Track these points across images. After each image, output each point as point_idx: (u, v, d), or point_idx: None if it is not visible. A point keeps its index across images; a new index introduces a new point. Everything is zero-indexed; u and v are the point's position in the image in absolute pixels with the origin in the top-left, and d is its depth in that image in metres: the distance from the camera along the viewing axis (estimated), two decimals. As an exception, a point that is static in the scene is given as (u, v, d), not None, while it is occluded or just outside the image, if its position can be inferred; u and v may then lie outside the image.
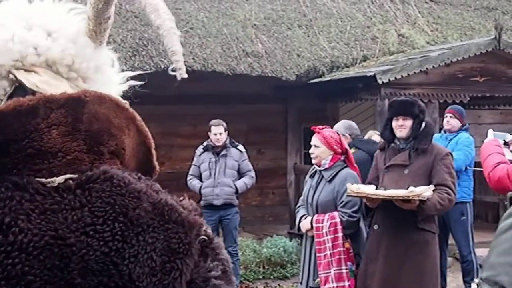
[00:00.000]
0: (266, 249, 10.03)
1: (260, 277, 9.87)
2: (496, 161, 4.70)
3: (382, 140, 6.24)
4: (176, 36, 1.33)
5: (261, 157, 12.64)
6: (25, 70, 1.37)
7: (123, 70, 1.54)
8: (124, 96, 1.49)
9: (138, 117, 1.41)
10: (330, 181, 5.82)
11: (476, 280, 2.23)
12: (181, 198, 1.39)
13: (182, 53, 1.36)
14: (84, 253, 1.22)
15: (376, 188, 5.68)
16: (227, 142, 8.92)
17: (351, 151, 7.54)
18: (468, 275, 8.27)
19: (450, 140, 8.30)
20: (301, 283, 6.10)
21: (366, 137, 9.42)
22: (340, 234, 5.64)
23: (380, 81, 10.10)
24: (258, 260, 9.99)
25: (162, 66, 10.59)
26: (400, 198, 5.40)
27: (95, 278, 1.22)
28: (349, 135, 7.86)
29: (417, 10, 14.00)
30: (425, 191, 5.36)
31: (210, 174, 8.78)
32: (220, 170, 8.78)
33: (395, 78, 10.21)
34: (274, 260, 9.93)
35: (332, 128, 6.47)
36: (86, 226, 1.23)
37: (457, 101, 10.33)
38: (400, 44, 13.03)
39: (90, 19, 1.39)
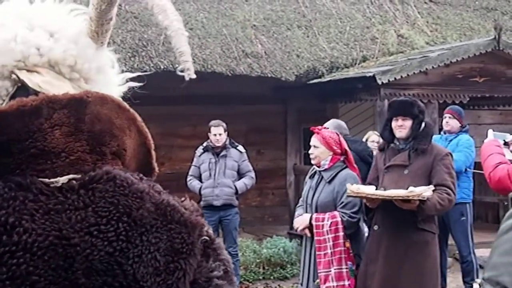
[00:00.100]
0: (266, 250, 10.03)
1: (260, 277, 9.87)
2: (497, 161, 4.69)
3: (382, 140, 6.23)
4: (184, 37, 1.33)
5: (260, 158, 12.64)
6: (28, 71, 1.37)
7: (122, 71, 1.54)
8: (124, 97, 1.49)
9: (139, 118, 1.42)
10: (329, 182, 5.81)
11: (478, 280, 2.23)
12: (183, 199, 1.39)
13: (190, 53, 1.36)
14: (88, 253, 1.22)
15: (376, 189, 5.68)
16: (227, 142, 8.92)
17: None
18: (468, 275, 8.27)
19: (450, 141, 8.29)
20: (301, 284, 6.10)
21: (365, 137, 9.43)
22: (341, 233, 5.63)
23: (379, 82, 10.10)
24: (258, 260, 9.99)
25: (162, 67, 10.61)
26: (400, 198, 5.40)
27: (99, 278, 1.22)
28: (339, 133, 7.85)
29: (416, 10, 14.00)
30: (425, 191, 5.36)
31: (210, 174, 8.79)
32: (220, 170, 8.78)
33: (395, 78, 10.22)
34: (274, 260, 9.93)
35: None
36: (90, 226, 1.24)
37: (457, 102, 10.33)
38: (399, 44, 13.03)
39: (92, 20, 1.39)
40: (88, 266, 1.21)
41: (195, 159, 9.05)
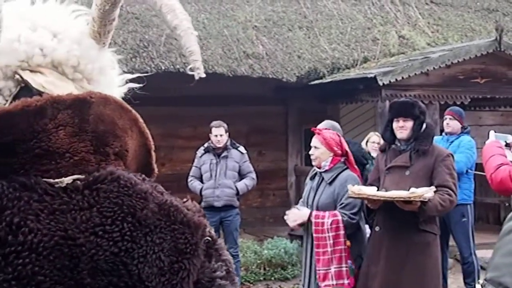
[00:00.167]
0: (267, 251, 10.02)
1: (261, 278, 9.86)
2: (498, 162, 4.69)
3: (383, 141, 6.23)
4: (194, 36, 1.34)
5: (261, 159, 12.64)
6: (31, 71, 1.37)
7: (124, 72, 1.54)
8: (124, 98, 1.49)
9: (140, 119, 1.42)
10: (330, 183, 5.79)
11: (480, 281, 2.23)
12: (185, 199, 1.40)
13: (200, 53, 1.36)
14: (93, 253, 1.22)
15: (377, 190, 5.67)
16: (228, 143, 8.92)
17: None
18: (469, 276, 8.26)
19: (452, 142, 8.29)
20: (303, 285, 6.09)
21: (366, 138, 9.43)
22: (342, 232, 5.61)
23: (380, 83, 10.10)
24: (258, 261, 9.98)
25: (163, 68, 10.62)
26: (402, 199, 5.39)
27: (104, 278, 1.22)
28: None
29: (417, 11, 14.00)
30: (426, 192, 5.35)
31: (211, 175, 8.78)
32: (221, 171, 8.77)
33: (396, 79, 10.22)
34: (275, 261, 9.92)
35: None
36: (95, 226, 1.24)
37: (458, 103, 10.33)
38: (400, 45, 13.04)
39: (95, 20, 1.40)
40: (93, 266, 1.22)
41: (196, 160, 9.05)
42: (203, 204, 8.60)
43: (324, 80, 11.77)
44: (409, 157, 5.79)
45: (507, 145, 5.00)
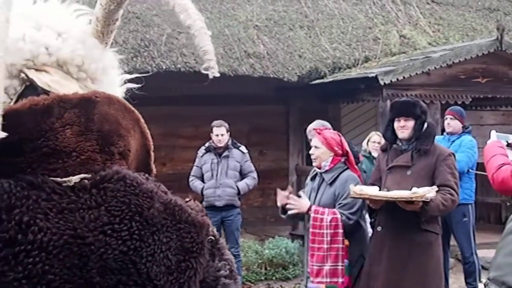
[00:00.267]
0: (268, 250, 10.02)
1: (262, 278, 9.86)
2: (500, 162, 4.68)
3: (384, 141, 6.22)
4: (207, 36, 1.34)
5: (263, 158, 12.64)
6: (36, 70, 1.38)
7: (125, 72, 1.54)
8: (126, 97, 1.50)
9: (142, 119, 1.43)
10: (331, 184, 5.77)
11: (483, 280, 2.23)
12: (187, 199, 1.41)
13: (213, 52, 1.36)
14: (102, 252, 1.23)
15: (379, 190, 5.66)
16: (229, 143, 8.92)
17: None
18: (470, 276, 8.26)
19: (453, 141, 8.29)
20: (305, 285, 6.08)
21: (367, 138, 9.43)
22: (340, 231, 5.59)
23: (382, 82, 10.10)
24: (260, 261, 9.98)
25: (164, 67, 10.61)
26: (404, 199, 5.38)
27: (113, 276, 1.23)
28: None
29: (418, 11, 14.00)
30: (428, 192, 5.34)
31: (212, 175, 8.78)
32: (222, 171, 8.77)
33: (397, 79, 10.21)
34: (276, 261, 9.92)
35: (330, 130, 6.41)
36: (104, 225, 1.24)
37: (459, 102, 10.33)
38: (401, 45, 13.03)
39: (99, 20, 1.40)
40: (102, 265, 1.22)
41: (197, 160, 9.05)
42: (204, 203, 8.59)
43: (325, 80, 11.76)
44: (410, 157, 5.79)
45: (508, 145, 4.99)
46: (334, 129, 6.42)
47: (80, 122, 1.30)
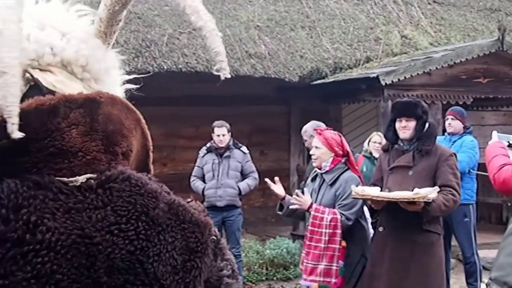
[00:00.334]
0: (269, 251, 10.02)
1: (263, 278, 9.86)
2: (501, 162, 4.68)
3: (386, 141, 6.22)
4: (219, 37, 1.35)
5: (264, 158, 12.64)
6: (41, 70, 1.38)
7: (126, 72, 1.55)
8: (127, 98, 1.50)
9: (143, 120, 1.44)
10: (331, 184, 5.77)
11: (485, 281, 2.24)
12: (189, 200, 1.42)
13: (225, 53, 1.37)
14: (110, 252, 1.23)
15: (381, 190, 5.66)
16: (230, 143, 8.91)
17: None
18: (471, 276, 8.26)
19: (454, 142, 8.29)
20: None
21: (368, 138, 9.42)
22: (339, 231, 5.58)
23: (383, 83, 10.10)
24: (261, 261, 9.98)
25: (165, 68, 10.62)
26: (405, 200, 5.38)
27: (121, 276, 1.23)
28: None
29: (420, 11, 13.99)
30: (430, 192, 5.34)
31: (213, 175, 8.78)
32: (223, 171, 8.77)
33: (398, 79, 10.21)
34: (277, 261, 9.92)
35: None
36: (110, 225, 1.25)
37: (460, 103, 10.32)
38: (403, 45, 13.03)
39: (102, 21, 1.41)
40: (109, 264, 1.23)
41: (198, 160, 9.05)
42: (205, 204, 8.59)
43: (326, 80, 11.76)
44: (412, 157, 5.78)
45: (509, 145, 4.99)
46: (335, 130, 6.40)
47: (85, 122, 1.30)
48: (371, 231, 6.08)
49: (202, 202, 8.93)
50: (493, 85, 10.92)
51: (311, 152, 6.03)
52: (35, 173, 1.26)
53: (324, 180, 5.83)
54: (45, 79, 1.35)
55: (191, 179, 8.98)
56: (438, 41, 13.39)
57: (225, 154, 8.83)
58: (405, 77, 10.25)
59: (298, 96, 12.41)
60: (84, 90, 1.37)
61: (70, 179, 1.27)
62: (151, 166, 1.47)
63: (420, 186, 5.44)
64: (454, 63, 10.55)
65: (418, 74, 10.37)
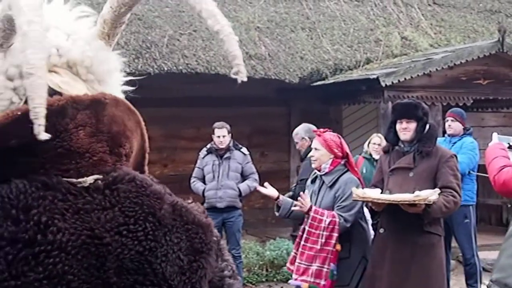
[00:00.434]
0: (269, 252, 10.02)
1: (263, 279, 9.86)
2: (501, 164, 4.68)
3: (386, 142, 6.22)
4: (235, 41, 1.34)
5: (264, 160, 12.64)
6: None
7: (126, 73, 1.55)
8: (127, 99, 1.50)
9: (142, 122, 1.44)
10: (331, 186, 5.76)
11: (486, 282, 2.24)
12: (189, 201, 1.42)
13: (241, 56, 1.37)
14: (119, 252, 1.24)
15: (381, 191, 5.66)
16: (231, 144, 8.91)
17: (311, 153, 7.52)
18: (471, 278, 8.26)
19: (454, 143, 8.29)
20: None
21: (368, 140, 9.42)
22: (335, 234, 5.58)
23: (383, 84, 10.10)
24: (261, 262, 9.98)
25: (166, 69, 10.62)
26: (406, 202, 5.38)
27: (130, 277, 1.24)
28: (309, 138, 7.87)
29: (420, 12, 14.00)
30: (431, 195, 5.34)
31: (214, 176, 8.78)
32: (224, 172, 8.77)
33: (398, 80, 10.21)
34: (277, 262, 9.91)
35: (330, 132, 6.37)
36: (119, 226, 1.26)
37: (461, 104, 10.33)
38: (403, 46, 13.03)
39: (106, 22, 1.41)
40: (119, 265, 1.24)
41: (198, 161, 9.05)
42: (205, 205, 8.59)
43: (326, 81, 11.77)
44: (412, 159, 5.78)
45: (510, 147, 4.99)
46: (335, 131, 6.40)
47: (91, 124, 1.31)
48: (372, 232, 6.08)
49: (202, 203, 8.92)
50: (493, 87, 10.93)
51: (310, 154, 6.03)
52: (42, 173, 1.26)
53: (323, 182, 5.83)
54: (51, 80, 1.35)
55: (192, 180, 8.98)
56: (438, 42, 13.39)
57: (226, 156, 8.83)
58: (405, 79, 10.26)
59: (298, 97, 12.42)
60: (88, 92, 1.37)
61: (79, 180, 1.28)
62: (146, 168, 1.48)
63: (421, 188, 5.44)
64: (454, 64, 10.56)
65: (418, 75, 10.37)
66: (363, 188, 5.77)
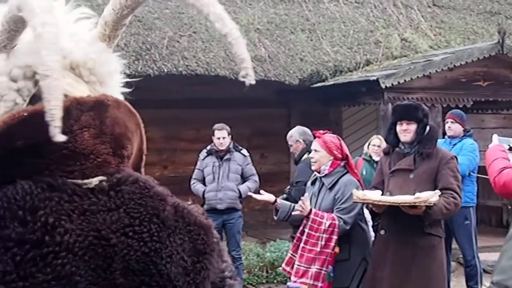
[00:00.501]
0: (270, 253, 10.02)
1: (264, 281, 9.86)
2: (501, 166, 4.68)
3: (386, 144, 6.21)
4: (243, 44, 1.35)
5: (264, 161, 12.64)
6: None
7: (126, 75, 1.55)
8: (128, 100, 1.51)
9: (141, 123, 1.44)
10: (330, 188, 5.76)
11: (487, 284, 2.24)
12: (189, 202, 1.43)
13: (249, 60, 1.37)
14: (125, 253, 1.24)
15: (382, 193, 5.66)
16: (231, 146, 8.91)
17: (305, 156, 7.52)
18: (471, 279, 8.25)
19: (454, 145, 8.29)
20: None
21: (368, 141, 9.41)
22: (335, 237, 5.57)
23: (383, 86, 10.10)
24: (261, 264, 9.98)
25: (165, 70, 10.62)
26: (407, 204, 5.37)
27: (136, 278, 1.25)
28: (303, 140, 7.87)
29: (420, 14, 14.00)
30: (432, 196, 5.33)
31: (214, 178, 8.78)
32: (224, 174, 8.77)
33: (398, 82, 10.22)
34: (278, 264, 9.89)
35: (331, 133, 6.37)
36: (125, 227, 1.26)
37: (460, 106, 10.33)
38: (403, 48, 13.03)
39: (108, 24, 1.41)
40: (125, 266, 1.24)
41: (198, 163, 9.04)
42: (205, 206, 8.59)
43: (326, 83, 11.77)
44: (413, 160, 5.78)
45: (510, 148, 4.99)
46: (335, 133, 6.39)
47: (95, 125, 1.31)
48: (372, 234, 6.08)
49: (202, 205, 8.95)
50: (493, 88, 10.93)
51: (310, 155, 6.02)
52: (47, 175, 1.26)
53: (323, 183, 5.82)
54: None
55: (192, 182, 8.97)
56: (438, 44, 13.40)
57: (226, 157, 8.83)
58: (405, 80, 10.26)
59: (298, 99, 12.42)
60: (90, 93, 1.38)
61: (84, 181, 1.28)
62: (143, 170, 1.48)
63: (421, 189, 5.44)
64: (454, 66, 10.56)
65: (418, 77, 10.37)
66: (362, 190, 5.77)
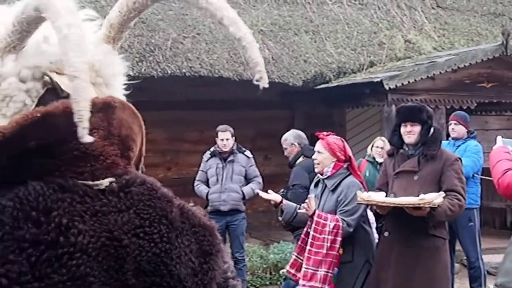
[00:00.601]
0: (273, 255, 10.02)
1: (267, 283, 9.86)
2: (505, 167, 4.68)
3: (391, 146, 6.21)
4: (257, 48, 1.35)
5: (267, 163, 12.63)
6: (57, 73, 1.37)
7: (130, 76, 1.55)
8: (130, 102, 1.51)
9: (143, 125, 1.45)
10: (333, 190, 5.75)
11: (490, 286, 2.23)
12: (191, 204, 1.43)
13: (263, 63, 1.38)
14: (137, 254, 1.25)
15: (386, 195, 5.65)
16: (234, 147, 8.91)
17: (300, 160, 7.49)
18: (475, 281, 8.24)
19: (458, 146, 8.29)
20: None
21: (371, 143, 9.41)
22: (339, 238, 5.57)
23: (387, 87, 10.10)
24: (265, 266, 9.98)
25: (169, 72, 10.63)
26: (411, 205, 5.37)
27: (147, 278, 1.25)
28: (298, 144, 7.87)
29: (423, 16, 13.99)
30: (436, 198, 5.33)
31: (217, 179, 8.78)
32: (227, 176, 8.77)
33: (402, 84, 10.21)
34: (281, 266, 9.89)
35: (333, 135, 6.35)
36: (136, 228, 1.27)
37: (464, 107, 10.32)
38: (407, 50, 13.03)
39: (113, 26, 1.42)
40: (137, 267, 1.25)
41: (202, 164, 9.05)
42: (209, 208, 8.60)
43: (330, 85, 11.77)
44: (417, 162, 5.77)
45: (514, 150, 4.99)
46: (339, 134, 6.38)
47: (104, 127, 1.31)
48: (376, 236, 6.07)
49: (206, 207, 8.95)
50: (497, 90, 10.92)
51: (313, 157, 6.01)
52: (58, 176, 1.27)
53: (326, 185, 5.81)
54: (63, 82, 1.35)
55: (195, 184, 8.98)
56: (441, 45, 13.39)
57: (229, 159, 8.83)
58: (408, 82, 10.26)
59: (301, 100, 12.42)
60: (97, 95, 1.38)
61: (95, 182, 1.29)
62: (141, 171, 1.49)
63: (425, 191, 5.43)
64: (458, 67, 10.55)
65: (421, 78, 10.37)
66: (366, 191, 5.76)
